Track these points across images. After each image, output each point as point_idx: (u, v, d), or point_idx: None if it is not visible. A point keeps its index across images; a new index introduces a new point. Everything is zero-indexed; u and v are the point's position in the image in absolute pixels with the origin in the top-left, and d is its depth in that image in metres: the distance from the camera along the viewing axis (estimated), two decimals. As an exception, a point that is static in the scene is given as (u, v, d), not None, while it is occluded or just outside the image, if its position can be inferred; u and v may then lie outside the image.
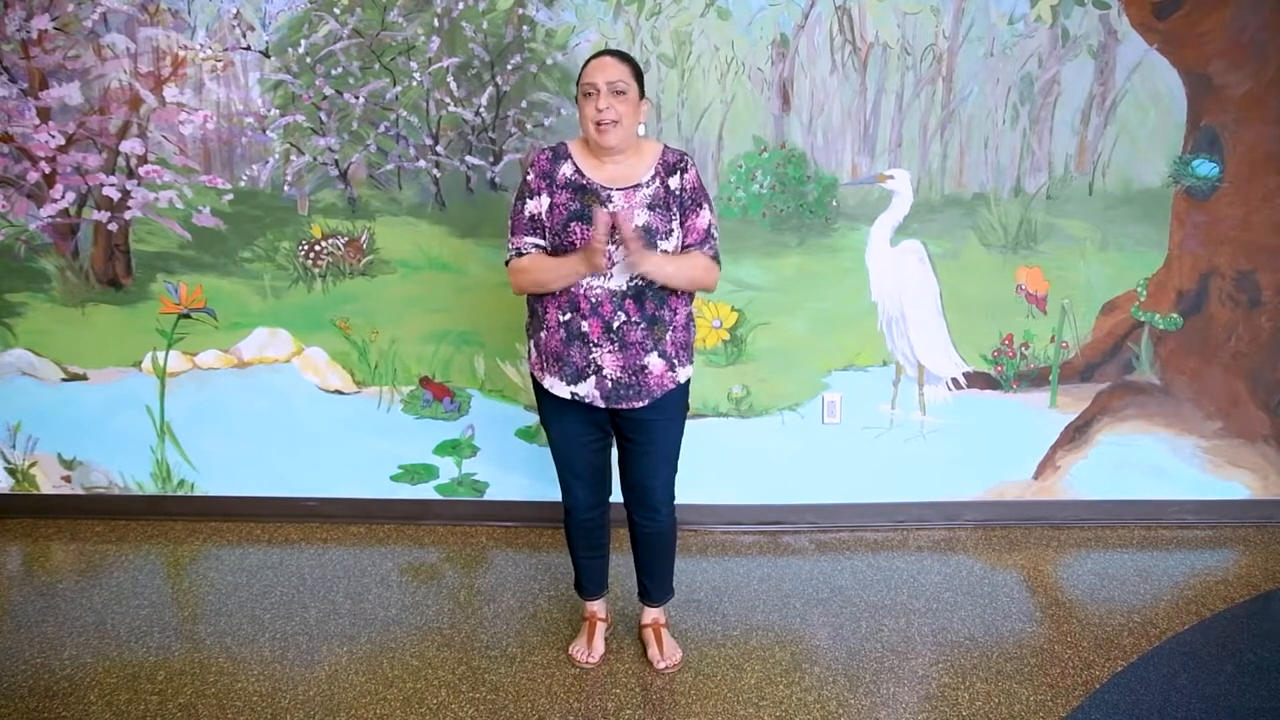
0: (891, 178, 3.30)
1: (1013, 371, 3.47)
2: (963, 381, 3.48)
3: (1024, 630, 2.86)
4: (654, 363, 2.40)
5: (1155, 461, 3.53)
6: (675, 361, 2.44)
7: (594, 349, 2.36)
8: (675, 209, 2.38)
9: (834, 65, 3.24)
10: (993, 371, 3.48)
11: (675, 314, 2.43)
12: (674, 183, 2.39)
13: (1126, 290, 3.42)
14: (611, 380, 2.38)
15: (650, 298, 2.37)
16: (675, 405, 2.51)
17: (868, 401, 3.48)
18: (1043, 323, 3.44)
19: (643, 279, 2.34)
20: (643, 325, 2.37)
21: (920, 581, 3.16)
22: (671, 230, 2.37)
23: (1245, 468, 3.54)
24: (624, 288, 2.35)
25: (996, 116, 3.28)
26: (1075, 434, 3.52)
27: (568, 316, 2.37)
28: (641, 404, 2.42)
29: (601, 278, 2.33)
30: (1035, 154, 3.31)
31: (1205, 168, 3.30)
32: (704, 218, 2.42)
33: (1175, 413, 3.51)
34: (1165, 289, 3.42)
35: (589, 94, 2.32)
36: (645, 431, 2.49)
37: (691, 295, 2.49)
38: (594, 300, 2.34)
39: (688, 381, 2.52)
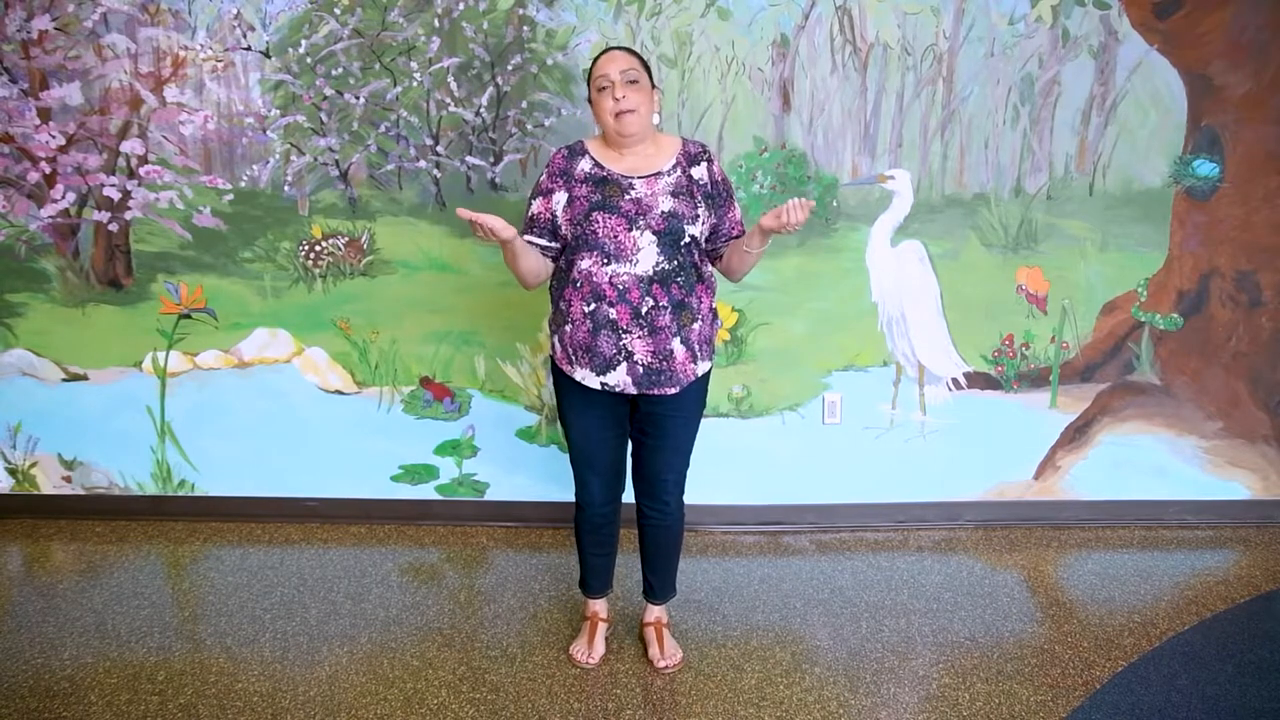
0: (892, 178, 3.30)
1: (1013, 372, 3.47)
2: (963, 381, 3.48)
3: (1024, 630, 2.86)
4: (678, 348, 2.41)
5: (1155, 462, 3.53)
6: (698, 353, 2.45)
7: (624, 335, 2.37)
8: (700, 197, 2.41)
9: (834, 65, 3.24)
10: (993, 372, 3.48)
11: (701, 303, 2.44)
12: (696, 173, 2.42)
13: (1127, 290, 3.42)
14: (643, 366, 2.39)
15: (677, 283, 2.38)
16: (694, 400, 2.51)
17: (868, 402, 3.48)
18: (1043, 323, 3.44)
19: (667, 263, 2.35)
20: (670, 310, 2.38)
21: (920, 582, 3.16)
22: (697, 216, 2.39)
23: (1245, 468, 3.54)
24: (650, 273, 2.35)
25: (997, 117, 3.28)
26: (1075, 434, 3.52)
27: (592, 307, 2.37)
28: (672, 390, 2.42)
29: (627, 264, 2.34)
30: (1035, 154, 3.31)
31: (1205, 168, 3.30)
32: (737, 209, 2.52)
33: (1175, 413, 3.51)
34: (1165, 289, 3.42)
35: (603, 87, 2.34)
36: (663, 425, 2.50)
37: (714, 288, 2.51)
38: (621, 287, 2.35)
39: (707, 376, 2.53)
